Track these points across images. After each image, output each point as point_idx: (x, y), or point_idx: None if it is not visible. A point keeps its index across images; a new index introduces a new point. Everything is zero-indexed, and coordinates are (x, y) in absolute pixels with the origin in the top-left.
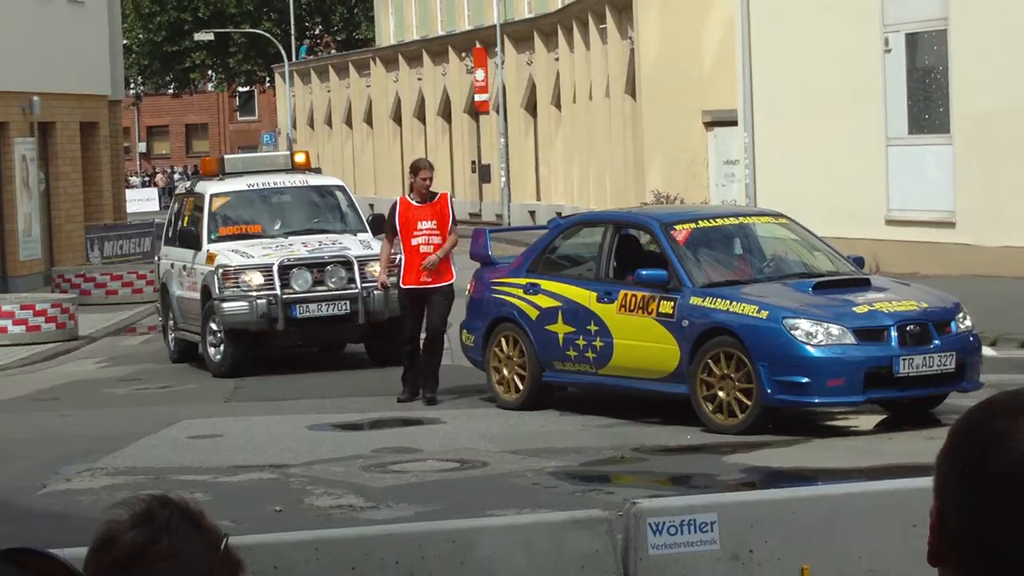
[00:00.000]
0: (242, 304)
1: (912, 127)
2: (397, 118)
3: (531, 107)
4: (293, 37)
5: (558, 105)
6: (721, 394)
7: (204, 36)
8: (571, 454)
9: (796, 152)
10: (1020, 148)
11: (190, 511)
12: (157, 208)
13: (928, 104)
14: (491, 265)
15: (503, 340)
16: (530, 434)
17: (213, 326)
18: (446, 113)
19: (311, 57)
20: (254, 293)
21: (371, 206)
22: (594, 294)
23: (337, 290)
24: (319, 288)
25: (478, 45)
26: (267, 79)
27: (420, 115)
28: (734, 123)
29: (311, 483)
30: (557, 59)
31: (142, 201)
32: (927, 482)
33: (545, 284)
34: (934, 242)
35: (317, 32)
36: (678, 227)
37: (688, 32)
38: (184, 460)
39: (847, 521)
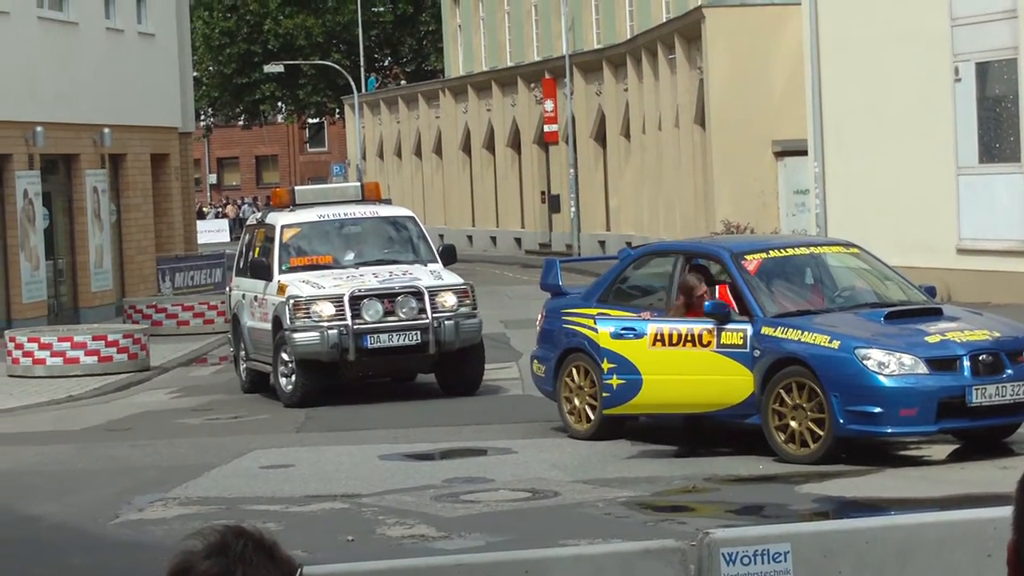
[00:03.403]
0: (313, 335)
1: (983, 156)
2: (466, 149)
3: (600, 137)
4: (362, 68)
5: (627, 135)
6: (793, 424)
7: (274, 68)
8: (643, 484)
9: (866, 181)
10: None
11: (264, 541)
12: (228, 239)
13: (998, 133)
14: (561, 295)
15: (574, 370)
16: (601, 464)
17: (284, 356)
18: (515, 144)
19: (380, 88)
20: (325, 324)
21: (441, 236)
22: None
23: (408, 320)
24: (390, 319)
25: (547, 76)
26: (336, 110)
27: (489, 146)
28: (804, 153)
29: (383, 513)
30: (626, 89)
31: (213, 232)
32: (1001, 511)
33: (615, 314)
34: (1006, 271)
35: (386, 64)
36: (749, 257)
37: (757, 62)
38: (256, 490)
39: (921, 551)
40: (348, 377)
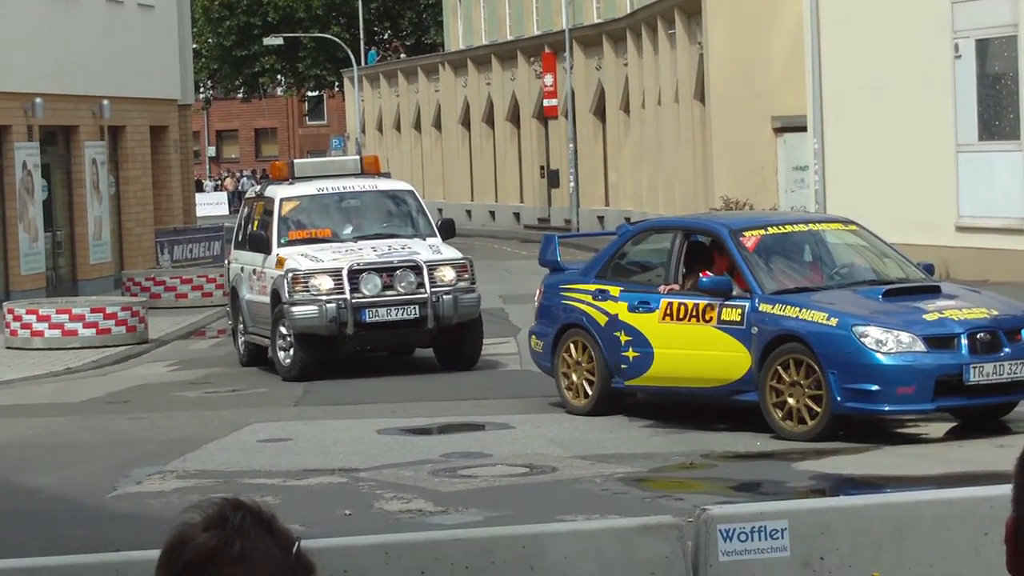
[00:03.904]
0: (312, 308)
1: (982, 133)
2: (466, 123)
3: (600, 112)
4: (362, 42)
5: (627, 110)
6: (791, 401)
7: (273, 41)
8: (640, 460)
9: (866, 158)
10: None
11: (263, 515)
12: (227, 212)
13: (998, 110)
14: (560, 271)
15: (572, 346)
16: (599, 440)
17: (283, 330)
18: (515, 118)
19: (380, 62)
20: (324, 297)
21: (440, 211)
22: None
23: (406, 294)
24: (388, 292)
25: (547, 50)
26: (336, 84)
27: (489, 120)
28: (803, 129)
29: (380, 487)
30: (626, 64)
31: (212, 205)
32: (998, 490)
33: (614, 290)
34: (1004, 249)
35: (386, 37)
36: (747, 234)
37: (757, 37)
38: (254, 464)
39: (918, 529)
40: (346, 351)
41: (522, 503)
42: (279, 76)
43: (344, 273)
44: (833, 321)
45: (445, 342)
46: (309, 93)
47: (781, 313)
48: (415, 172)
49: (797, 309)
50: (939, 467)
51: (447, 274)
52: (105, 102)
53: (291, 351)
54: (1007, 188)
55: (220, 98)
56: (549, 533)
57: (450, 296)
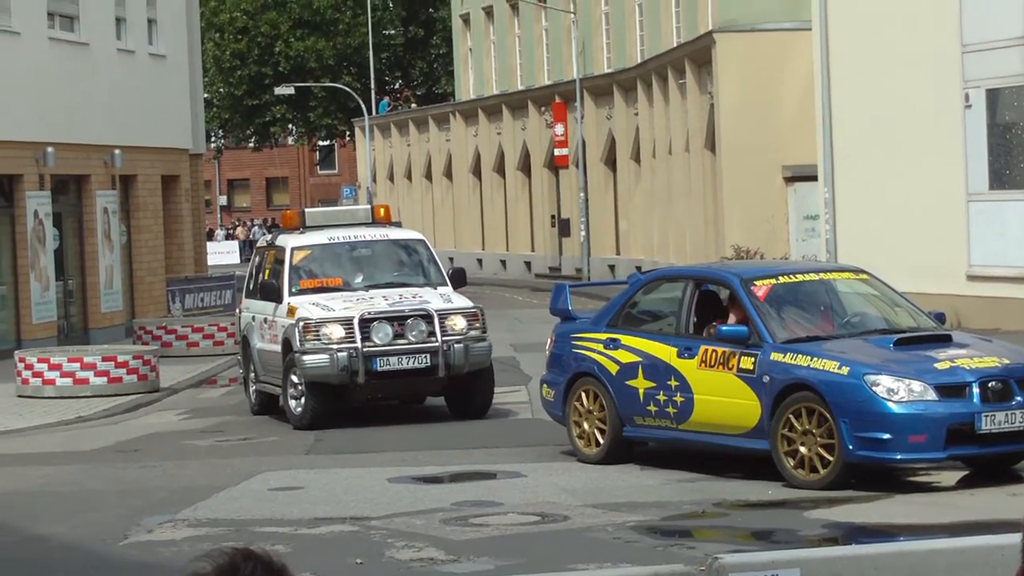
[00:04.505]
0: (323, 357)
1: (993, 182)
2: (477, 172)
3: (611, 161)
4: (373, 91)
5: (637, 159)
6: (803, 449)
7: (284, 90)
8: (652, 508)
9: (876, 207)
10: None
11: (273, 565)
12: (238, 261)
13: (1009, 159)
14: (571, 320)
15: (584, 395)
16: (611, 488)
17: (294, 379)
18: (525, 167)
19: (391, 111)
20: (335, 346)
21: (451, 260)
22: (675, 349)
23: (417, 343)
24: (400, 341)
25: (557, 100)
26: (347, 133)
27: (499, 169)
28: (814, 178)
29: (392, 536)
30: (636, 114)
31: (223, 254)
32: (1010, 538)
33: (625, 339)
34: (1016, 298)
35: (397, 86)
36: (758, 283)
37: (768, 87)
38: (265, 512)
39: None
40: (358, 400)
41: (534, 552)
42: (290, 125)
43: (355, 322)
44: (844, 370)
45: (456, 391)
46: (320, 142)
47: (792, 362)
48: (426, 221)
49: (808, 358)
50: (951, 515)
51: (458, 323)
52: (117, 151)
53: (302, 400)
54: (1018, 237)
55: (231, 147)
56: None
57: (461, 345)
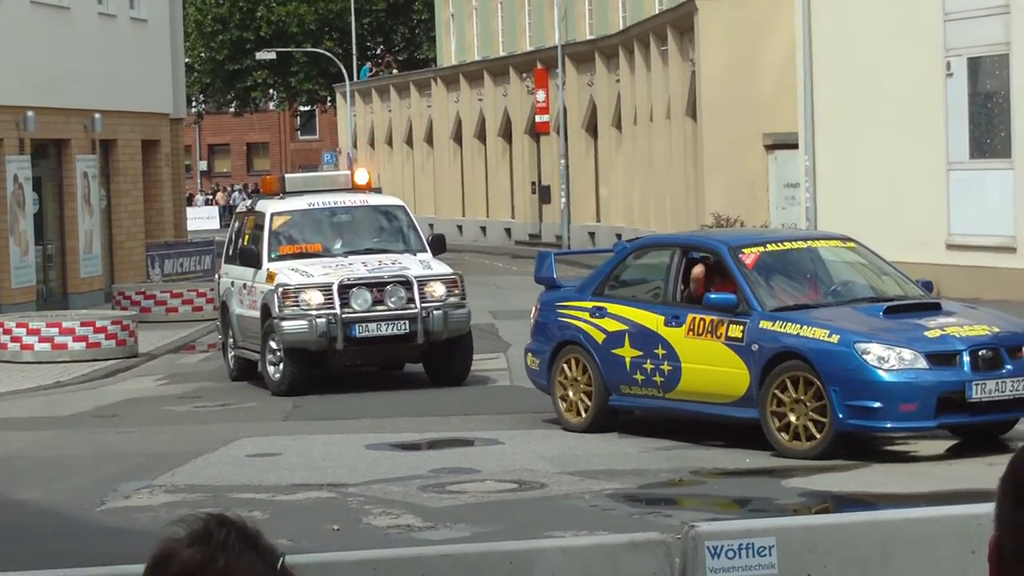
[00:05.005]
0: (302, 323)
1: (973, 151)
2: (458, 138)
3: (592, 128)
4: (355, 57)
5: (619, 126)
6: (793, 419)
7: (266, 55)
8: (629, 476)
9: (857, 175)
10: None
11: (247, 530)
12: (218, 226)
13: (989, 128)
14: (556, 288)
15: (569, 363)
16: (588, 456)
17: (273, 345)
18: (507, 134)
19: (372, 77)
20: (314, 312)
21: (431, 226)
22: (662, 318)
23: (396, 310)
24: (378, 308)
25: (539, 66)
26: (328, 99)
27: (480, 136)
28: (795, 146)
29: (369, 503)
30: (618, 80)
31: (202, 219)
32: (987, 508)
33: (611, 308)
34: (995, 267)
35: (378, 52)
36: (746, 251)
37: (750, 55)
38: (243, 478)
39: (906, 547)
40: (336, 366)
41: (510, 519)
42: (271, 90)
43: (334, 288)
44: (835, 338)
45: (435, 357)
46: (301, 108)
47: (781, 330)
48: (406, 187)
49: (798, 326)
50: (928, 485)
51: (437, 289)
52: (97, 115)
53: (281, 366)
54: (998, 206)
55: (212, 112)
56: (537, 549)
57: (440, 311)
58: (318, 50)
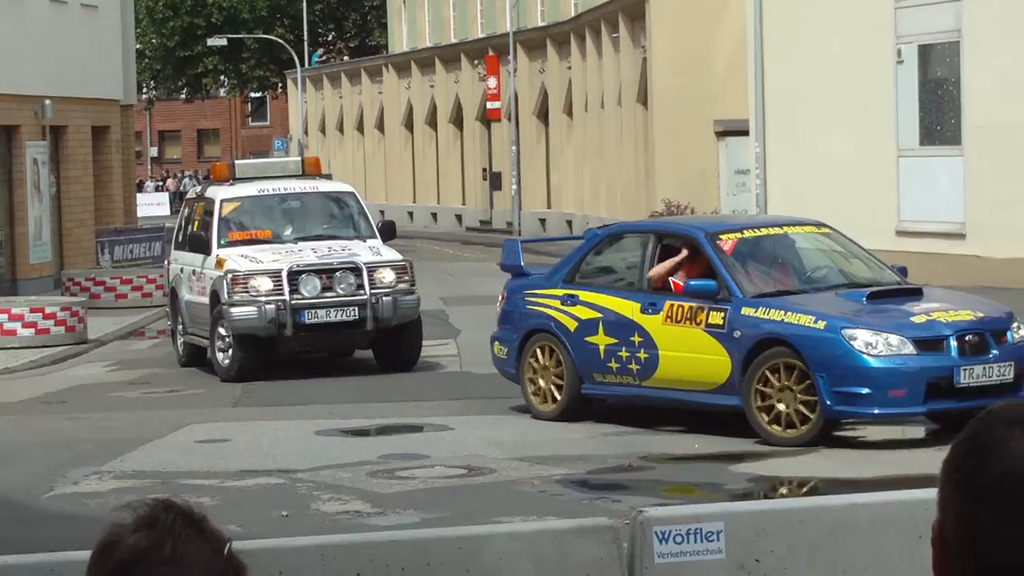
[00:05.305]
0: (251, 309)
1: (923, 138)
2: (409, 125)
3: (543, 115)
4: (306, 43)
5: (570, 113)
6: (780, 406)
7: (217, 42)
8: (578, 462)
9: (807, 162)
10: None
11: (194, 516)
12: (168, 212)
13: (939, 116)
14: (523, 276)
15: (539, 351)
16: (538, 441)
17: (222, 331)
18: (458, 120)
19: (324, 63)
20: (263, 298)
21: (382, 212)
22: (637, 305)
23: (346, 296)
24: (328, 294)
25: (491, 53)
26: (279, 85)
27: (432, 122)
28: (745, 133)
29: (318, 488)
30: (569, 67)
31: (153, 205)
32: (933, 493)
33: (584, 295)
34: (945, 253)
35: (330, 38)
36: (724, 237)
37: (700, 42)
38: (192, 464)
39: (853, 532)
40: (285, 352)
41: (460, 504)
42: (222, 77)
43: (284, 274)
44: (821, 324)
45: (384, 344)
46: (252, 94)
47: (764, 316)
48: (357, 174)
49: (782, 312)
50: (876, 470)
51: (387, 276)
52: (47, 102)
53: (230, 352)
54: (948, 193)
55: (163, 99)
56: (485, 535)
57: (389, 298)
58: (269, 36)
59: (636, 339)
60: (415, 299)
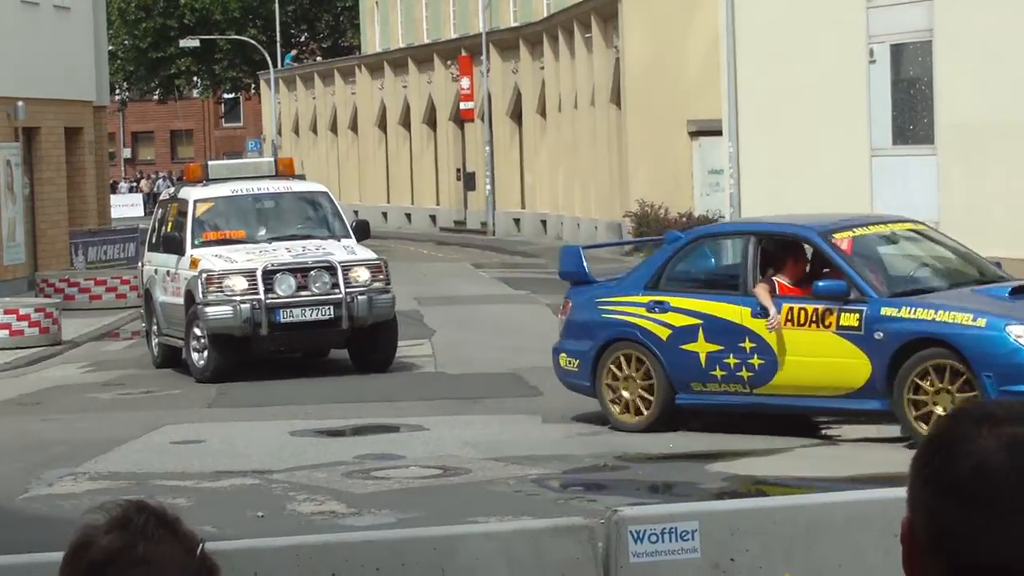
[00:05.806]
0: (226, 309)
1: (896, 138)
2: (382, 125)
3: (516, 115)
4: (279, 44)
5: (543, 113)
6: (938, 409)
7: (190, 43)
8: (554, 462)
9: (780, 162)
10: (1003, 159)
11: (166, 516)
12: (142, 213)
13: (912, 115)
14: (587, 284)
15: (621, 360)
16: (513, 442)
17: (197, 331)
18: (431, 121)
19: (296, 64)
20: (238, 298)
21: (355, 212)
22: (747, 309)
23: (321, 295)
24: (303, 293)
25: (464, 53)
26: (252, 86)
27: (405, 123)
28: (719, 133)
29: (293, 489)
30: (542, 67)
31: (127, 206)
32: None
33: (675, 301)
34: None
35: (303, 39)
36: (838, 236)
37: (673, 42)
38: (167, 465)
39: (828, 530)
40: (260, 352)
41: (435, 505)
42: (195, 78)
43: (258, 273)
44: (981, 322)
45: (359, 343)
46: (225, 95)
47: (912, 316)
48: (331, 174)
49: (931, 311)
50: (851, 469)
51: (362, 275)
52: (20, 103)
53: (205, 352)
54: (921, 193)
55: (136, 100)
56: (460, 535)
57: (365, 297)
58: (242, 37)
59: (747, 345)
60: (390, 298)
